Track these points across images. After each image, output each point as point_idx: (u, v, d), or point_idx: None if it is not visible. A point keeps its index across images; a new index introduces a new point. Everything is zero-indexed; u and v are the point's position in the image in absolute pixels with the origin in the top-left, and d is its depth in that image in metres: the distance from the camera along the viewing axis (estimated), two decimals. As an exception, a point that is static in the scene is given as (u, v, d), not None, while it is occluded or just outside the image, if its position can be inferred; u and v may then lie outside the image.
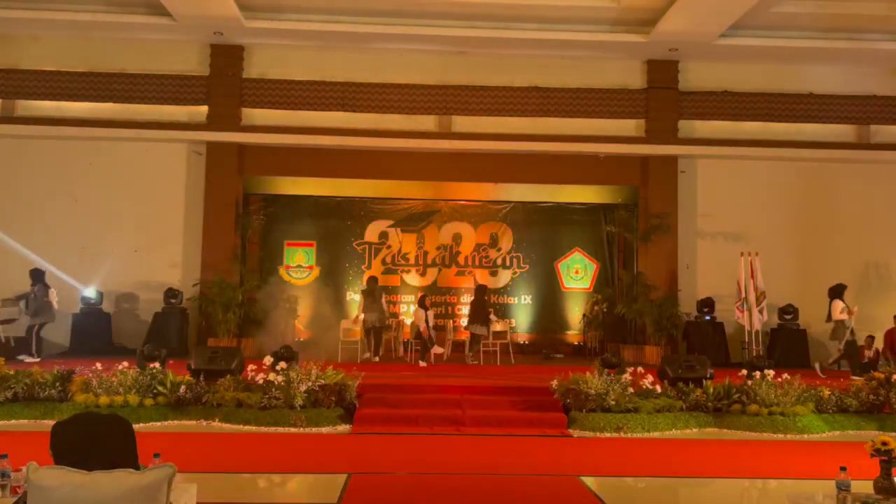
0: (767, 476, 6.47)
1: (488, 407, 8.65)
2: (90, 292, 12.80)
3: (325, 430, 7.99)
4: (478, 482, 6.02)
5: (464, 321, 14.69)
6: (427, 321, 11.88)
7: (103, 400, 8.08)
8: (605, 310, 13.87)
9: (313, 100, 13.61)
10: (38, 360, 10.87)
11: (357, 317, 12.56)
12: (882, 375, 8.84)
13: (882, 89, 14.03)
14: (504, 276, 14.88)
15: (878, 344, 12.41)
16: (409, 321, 14.51)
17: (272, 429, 7.91)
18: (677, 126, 13.85)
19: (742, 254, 12.66)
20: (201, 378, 8.62)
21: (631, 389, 8.50)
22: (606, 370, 8.72)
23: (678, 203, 13.74)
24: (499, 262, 14.91)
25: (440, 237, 14.89)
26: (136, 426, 3.45)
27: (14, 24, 12.80)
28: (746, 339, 12.63)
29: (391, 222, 14.84)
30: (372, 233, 14.83)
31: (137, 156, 13.47)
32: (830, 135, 13.97)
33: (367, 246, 14.82)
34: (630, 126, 13.92)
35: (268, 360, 8.51)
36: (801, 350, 12.89)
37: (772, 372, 8.74)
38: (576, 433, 8.05)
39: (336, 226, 14.72)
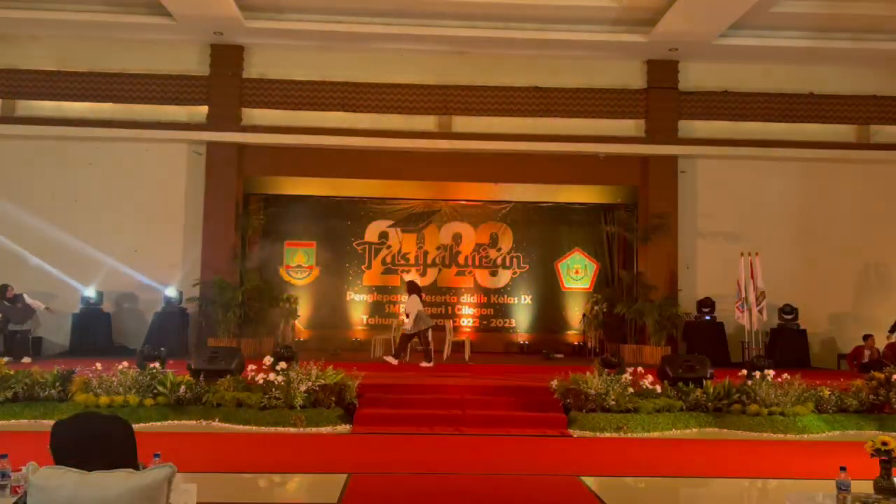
0: (767, 476, 6.47)
1: (488, 407, 8.65)
2: (90, 292, 12.79)
3: (325, 430, 7.98)
4: (478, 482, 6.02)
5: (464, 321, 14.72)
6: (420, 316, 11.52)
7: (103, 400, 8.08)
8: (605, 310, 13.87)
9: (313, 100, 13.61)
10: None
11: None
12: (882, 375, 8.84)
13: (882, 89, 14.03)
14: (504, 276, 14.88)
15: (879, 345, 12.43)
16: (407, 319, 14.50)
17: (272, 429, 7.91)
18: (677, 126, 13.86)
19: (742, 254, 12.67)
20: (201, 378, 8.62)
21: (631, 389, 8.49)
22: (606, 370, 8.72)
23: (678, 203, 13.74)
24: (499, 262, 14.91)
25: (440, 237, 14.89)
26: (136, 426, 3.45)
27: (14, 24, 12.81)
28: (746, 339, 12.64)
29: (391, 222, 14.84)
30: (372, 233, 14.83)
31: (137, 156, 13.47)
32: (830, 135, 13.97)
33: (367, 246, 14.83)
34: (630, 126, 13.93)
35: (268, 360, 8.51)
36: (801, 350, 12.90)
37: (772, 372, 8.74)
38: (576, 433, 8.05)
39: (336, 226, 14.72)
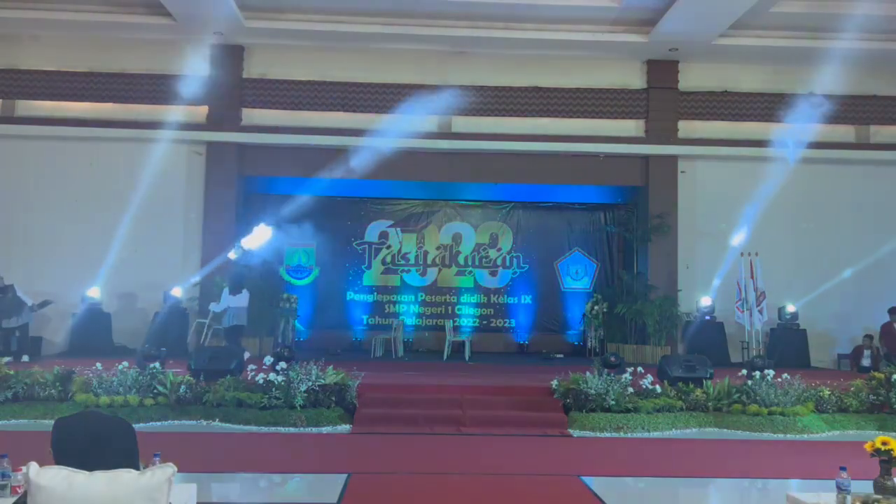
0: (767, 476, 6.47)
1: (488, 407, 8.65)
2: (90, 291, 12.77)
3: (325, 430, 7.99)
4: (478, 482, 6.02)
5: (464, 321, 14.69)
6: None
7: (103, 400, 8.09)
8: (605, 310, 13.86)
9: (313, 100, 13.61)
10: None
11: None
12: (882, 375, 8.84)
13: (882, 89, 14.03)
14: (504, 276, 14.88)
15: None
16: (407, 321, 14.49)
17: (272, 429, 7.92)
18: (677, 126, 13.86)
19: (742, 254, 12.67)
20: (201, 378, 8.62)
21: (631, 389, 8.50)
22: (606, 370, 8.72)
23: (678, 203, 13.74)
24: (499, 262, 14.92)
25: (440, 237, 14.89)
26: (136, 426, 3.45)
27: (14, 24, 12.81)
28: (746, 339, 12.64)
29: (391, 222, 14.85)
30: (372, 233, 14.83)
31: (137, 156, 13.44)
32: (830, 135, 13.97)
33: (367, 246, 14.83)
34: (630, 126, 13.93)
35: (268, 360, 8.51)
36: (802, 350, 12.89)
37: (772, 372, 8.74)
38: (576, 433, 8.05)
39: (336, 226, 14.72)
